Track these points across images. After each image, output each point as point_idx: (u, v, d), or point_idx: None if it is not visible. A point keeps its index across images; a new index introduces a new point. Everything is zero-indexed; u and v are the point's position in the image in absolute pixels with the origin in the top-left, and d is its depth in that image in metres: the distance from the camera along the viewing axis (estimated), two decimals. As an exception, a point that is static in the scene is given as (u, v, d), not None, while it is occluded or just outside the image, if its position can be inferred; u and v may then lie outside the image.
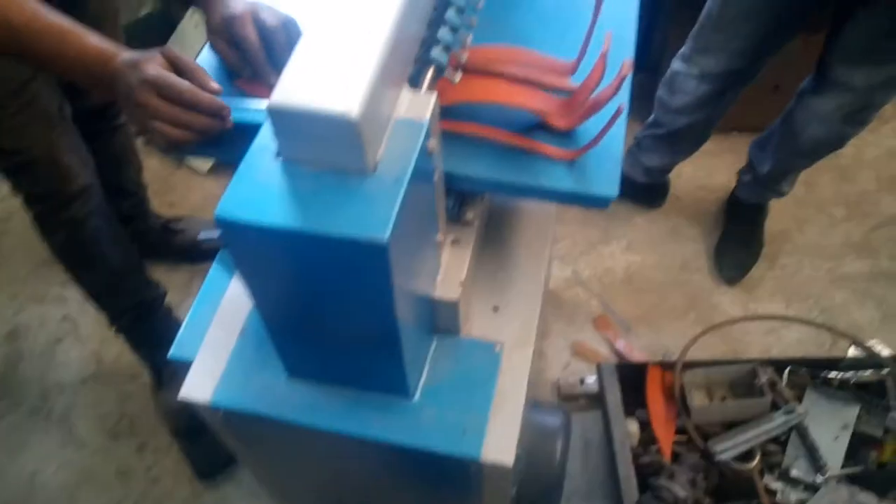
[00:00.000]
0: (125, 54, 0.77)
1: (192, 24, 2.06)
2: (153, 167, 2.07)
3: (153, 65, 0.75)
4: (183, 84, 0.75)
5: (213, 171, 2.11)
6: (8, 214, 2.00)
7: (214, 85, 0.77)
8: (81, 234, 1.36)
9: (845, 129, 1.53)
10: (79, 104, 1.31)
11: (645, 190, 1.99)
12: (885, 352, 1.62)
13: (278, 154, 0.63)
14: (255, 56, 0.84)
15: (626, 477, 1.37)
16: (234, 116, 0.77)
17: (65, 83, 1.27)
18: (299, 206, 0.60)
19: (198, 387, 0.86)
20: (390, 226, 0.58)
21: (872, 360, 1.52)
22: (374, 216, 0.59)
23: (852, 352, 1.66)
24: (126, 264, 1.48)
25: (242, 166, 0.63)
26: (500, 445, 0.80)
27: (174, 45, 2.14)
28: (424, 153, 0.65)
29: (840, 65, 1.43)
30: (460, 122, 0.79)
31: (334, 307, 0.70)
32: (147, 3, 2.05)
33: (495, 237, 0.96)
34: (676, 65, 1.62)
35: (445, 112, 0.75)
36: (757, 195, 1.87)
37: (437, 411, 0.82)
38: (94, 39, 0.78)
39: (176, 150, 0.80)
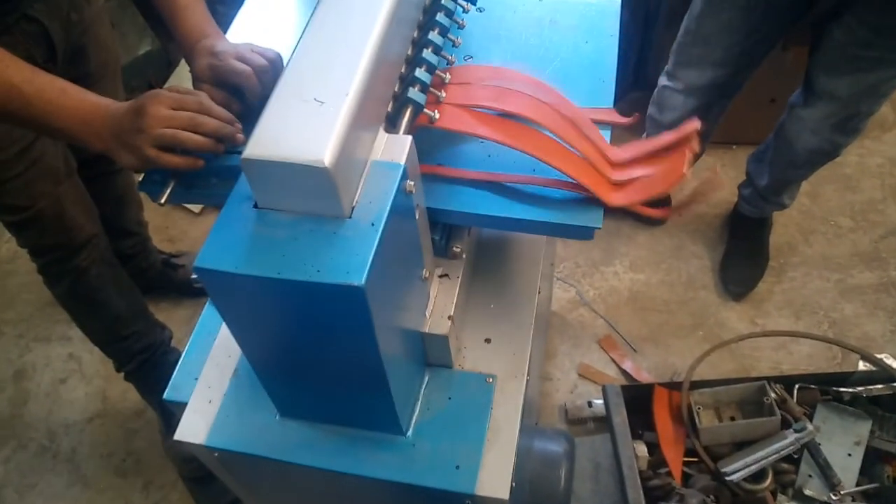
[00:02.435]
0: (122, 103, 0.80)
1: (186, 70, 2.08)
2: (152, 204, 2.08)
3: (159, 90, 0.78)
4: (192, 97, 0.78)
5: (204, 211, 2.13)
6: (13, 255, 2.03)
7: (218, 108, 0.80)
8: (85, 281, 1.37)
9: (837, 138, 1.53)
10: (79, 152, 1.33)
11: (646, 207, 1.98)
12: (896, 364, 1.59)
13: (255, 204, 0.64)
14: (250, 95, 0.85)
15: (636, 501, 1.35)
16: (226, 162, 0.79)
17: None
18: (277, 253, 0.60)
19: (192, 428, 0.86)
20: (367, 270, 0.58)
21: (884, 374, 1.49)
22: (350, 261, 0.59)
23: (863, 366, 1.63)
24: (130, 309, 1.49)
25: (221, 217, 0.64)
26: (494, 479, 0.79)
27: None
28: (402, 194, 0.66)
29: (823, 76, 1.43)
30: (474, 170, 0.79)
31: (319, 350, 0.70)
32: (145, 42, 2.09)
33: (485, 269, 0.96)
34: (662, 81, 1.63)
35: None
36: (759, 208, 1.86)
37: (430, 447, 0.82)
38: (91, 94, 0.81)
39: (177, 184, 0.82)
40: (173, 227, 2.10)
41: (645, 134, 1.80)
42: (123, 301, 1.46)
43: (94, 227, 1.36)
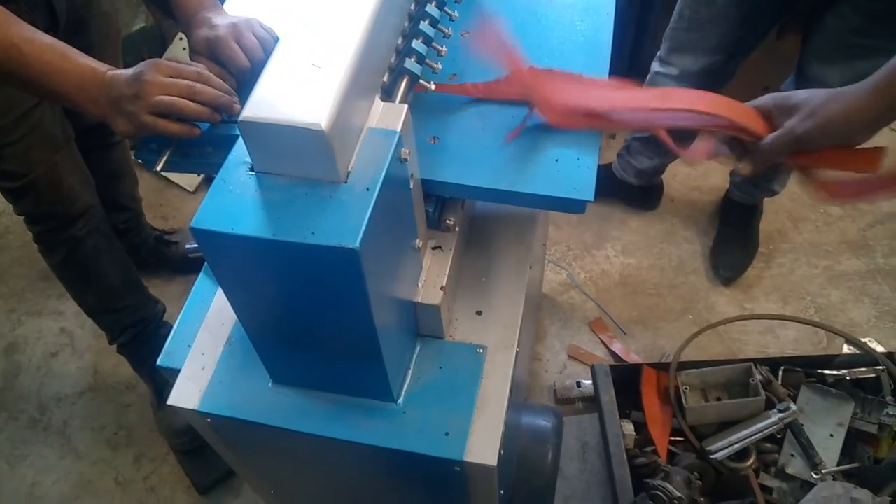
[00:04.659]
0: (121, 70, 0.80)
1: (180, 48, 2.08)
2: (147, 180, 2.09)
3: (158, 59, 0.80)
4: (191, 67, 0.79)
5: (199, 189, 2.13)
6: (5, 229, 2.02)
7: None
8: (81, 252, 1.37)
9: None
10: (77, 122, 1.33)
11: (638, 192, 2.00)
12: (879, 348, 1.62)
13: (252, 167, 0.65)
14: (241, 75, 0.86)
15: (622, 477, 1.37)
16: (222, 132, 0.80)
17: None
18: (272, 215, 0.61)
19: (185, 394, 0.87)
20: (361, 232, 0.59)
21: (867, 357, 1.52)
22: (345, 224, 0.60)
23: (847, 349, 1.66)
24: (125, 281, 1.50)
25: (217, 180, 0.65)
26: (483, 446, 0.80)
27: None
28: (397, 161, 0.66)
29: (815, 63, 1.44)
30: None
31: (313, 314, 0.71)
32: (139, 18, 2.07)
33: (478, 243, 0.97)
34: (655, 66, 1.64)
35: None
36: (749, 195, 1.88)
37: (420, 414, 0.83)
38: (90, 59, 0.82)
39: (173, 152, 0.83)
40: (167, 205, 2.09)
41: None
42: (118, 273, 1.47)
43: (91, 198, 1.36)
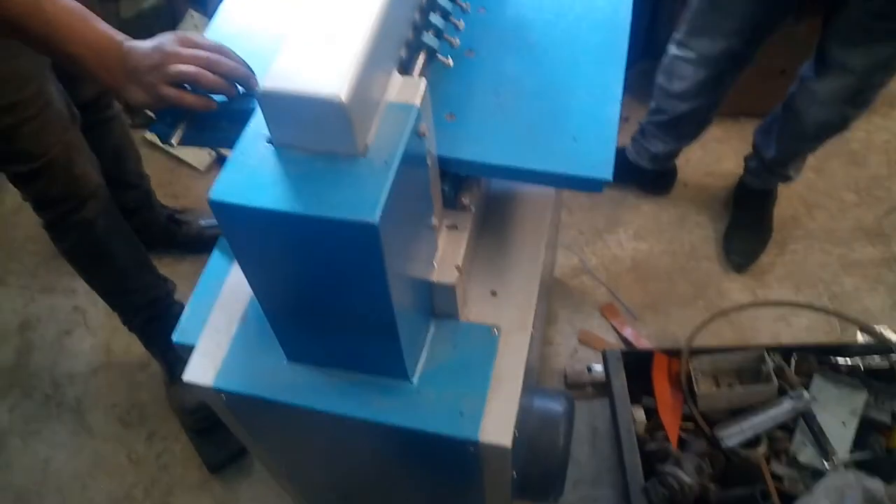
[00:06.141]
0: (140, 41, 0.80)
1: (191, 24, 2.07)
2: (157, 159, 2.09)
3: (177, 32, 0.79)
4: (209, 40, 0.79)
5: (210, 169, 2.12)
6: (17, 207, 2.03)
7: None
8: (93, 234, 1.37)
9: (847, 111, 1.52)
10: (75, 96, 1.32)
11: (652, 177, 1.98)
12: (894, 337, 1.60)
13: (270, 140, 0.64)
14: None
15: (632, 463, 1.37)
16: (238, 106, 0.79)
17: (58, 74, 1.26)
18: (290, 188, 0.60)
19: (200, 370, 0.87)
20: (380, 207, 0.59)
21: (881, 346, 1.50)
22: (364, 198, 0.59)
23: (861, 338, 1.64)
24: (135, 261, 1.50)
25: (235, 152, 0.64)
26: (497, 427, 0.80)
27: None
28: (415, 136, 0.66)
29: (837, 47, 1.42)
30: None
31: (329, 290, 0.70)
32: (151, -4, 2.07)
33: (494, 223, 0.96)
34: (673, 50, 1.62)
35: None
36: (764, 181, 1.86)
37: (435, 393, 0.83)
38: (108, 26, 0.81)
39: (188, 126, 0.82)
40: (177, 184, 2.09)
41: (653, 102, 1.79)
42: (129, 253, 1.47)
43: (99, 178, 1.36)
